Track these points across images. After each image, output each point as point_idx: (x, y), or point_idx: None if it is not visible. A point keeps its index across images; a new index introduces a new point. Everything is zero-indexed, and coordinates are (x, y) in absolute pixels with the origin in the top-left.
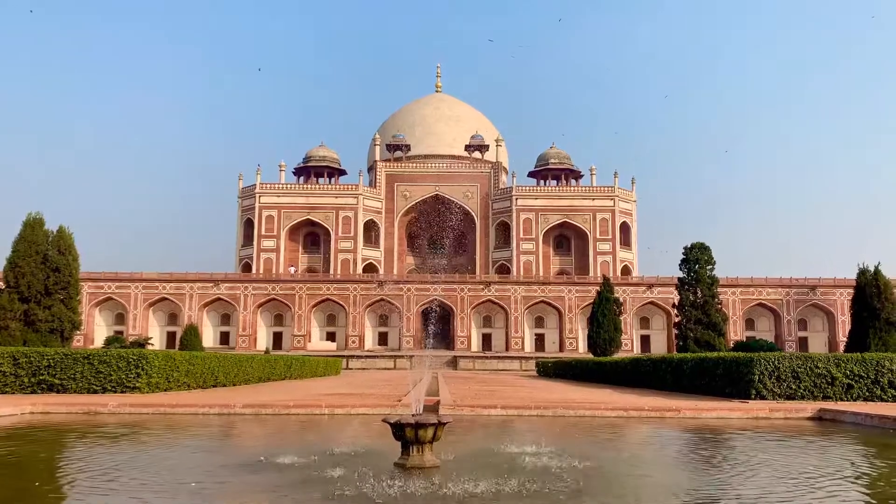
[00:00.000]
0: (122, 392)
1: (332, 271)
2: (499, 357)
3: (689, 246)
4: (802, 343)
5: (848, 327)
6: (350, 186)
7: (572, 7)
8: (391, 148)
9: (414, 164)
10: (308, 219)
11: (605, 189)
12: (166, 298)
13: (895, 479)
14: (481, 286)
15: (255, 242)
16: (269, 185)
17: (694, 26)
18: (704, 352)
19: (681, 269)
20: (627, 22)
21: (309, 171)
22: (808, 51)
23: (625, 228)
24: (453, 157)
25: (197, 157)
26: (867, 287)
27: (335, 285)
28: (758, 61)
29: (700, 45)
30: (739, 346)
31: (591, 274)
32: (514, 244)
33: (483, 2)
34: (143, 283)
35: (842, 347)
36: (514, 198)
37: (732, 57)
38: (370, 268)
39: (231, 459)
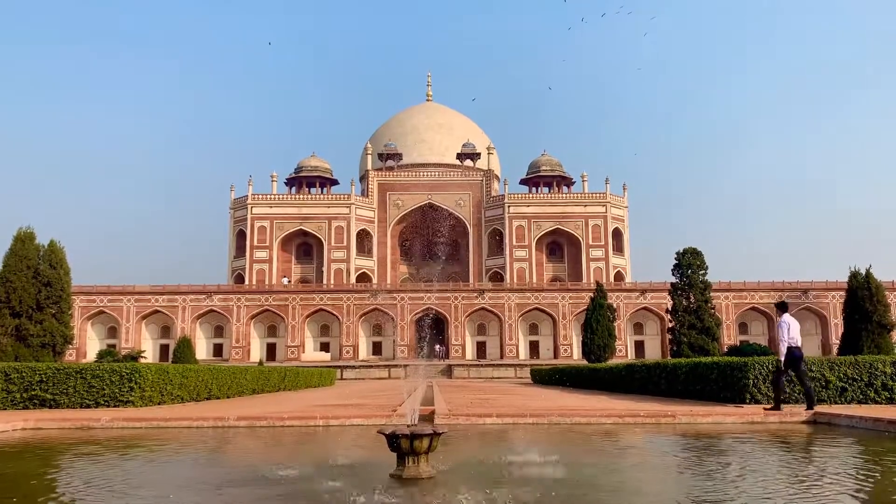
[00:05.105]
0: (115, 406)
1: (325, 281)
2: (493, 365)
3: (681, 251)
4: None
5: (840, 330)
6: (342, 196)
7: (565, 14)
8: (383, 157)
9: (406, 173)
10: (300, 229)
11: (597, 195)
12: (159, 311)
13: (892, 482)
14: (475, 294)
15: (247, 254)
16: (260, 196)
17: (685, 32)
18: (698, 357)
19: (673, 274)
20: (619, 30)
21: (301, 181)
22: (800, 55)
23: (617, 234)
24: (445, 165)
25: (188, 169)
26: (859, 290)
27: (328, 295)
28: (750, 66)
29: (691, 52)
30: (733, 350)
31: (585, 280)
32: (507, 252)
33: (474, 10)
34: (135, 296)
35: (835, 350)
36: (506, 205)
37: (724, 63)
38: (363, 277)
39: (220, 472)
